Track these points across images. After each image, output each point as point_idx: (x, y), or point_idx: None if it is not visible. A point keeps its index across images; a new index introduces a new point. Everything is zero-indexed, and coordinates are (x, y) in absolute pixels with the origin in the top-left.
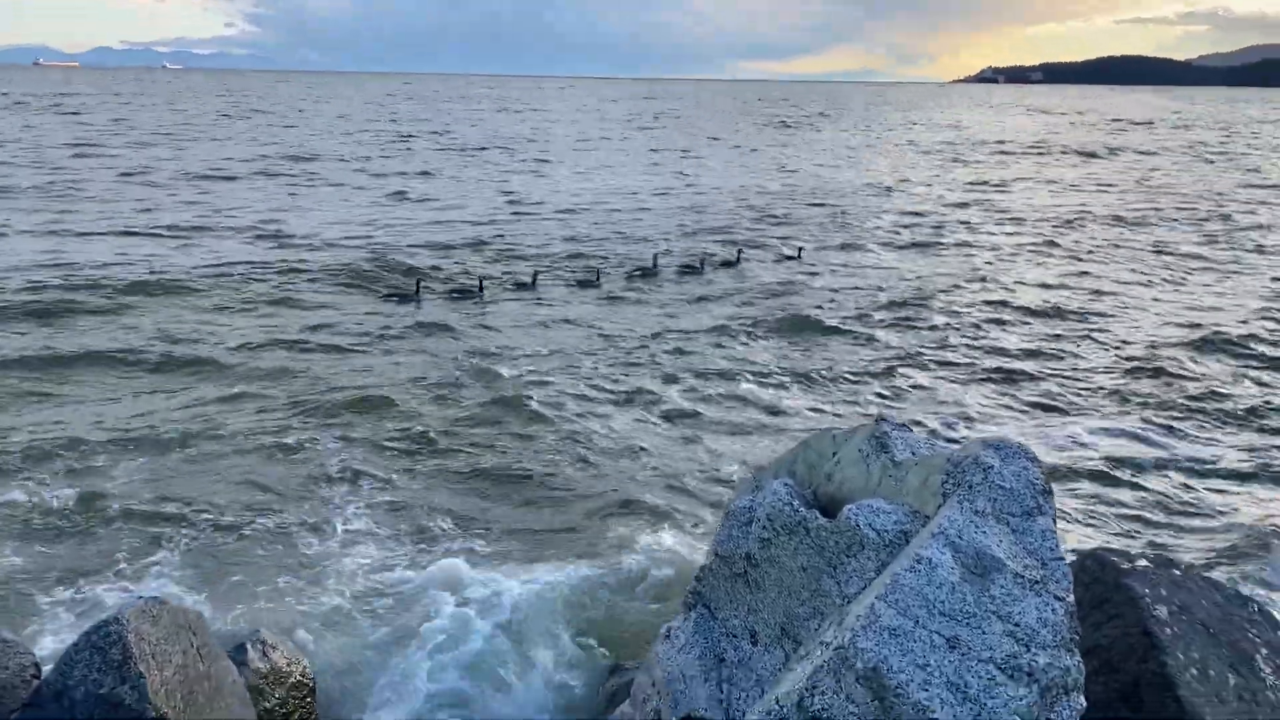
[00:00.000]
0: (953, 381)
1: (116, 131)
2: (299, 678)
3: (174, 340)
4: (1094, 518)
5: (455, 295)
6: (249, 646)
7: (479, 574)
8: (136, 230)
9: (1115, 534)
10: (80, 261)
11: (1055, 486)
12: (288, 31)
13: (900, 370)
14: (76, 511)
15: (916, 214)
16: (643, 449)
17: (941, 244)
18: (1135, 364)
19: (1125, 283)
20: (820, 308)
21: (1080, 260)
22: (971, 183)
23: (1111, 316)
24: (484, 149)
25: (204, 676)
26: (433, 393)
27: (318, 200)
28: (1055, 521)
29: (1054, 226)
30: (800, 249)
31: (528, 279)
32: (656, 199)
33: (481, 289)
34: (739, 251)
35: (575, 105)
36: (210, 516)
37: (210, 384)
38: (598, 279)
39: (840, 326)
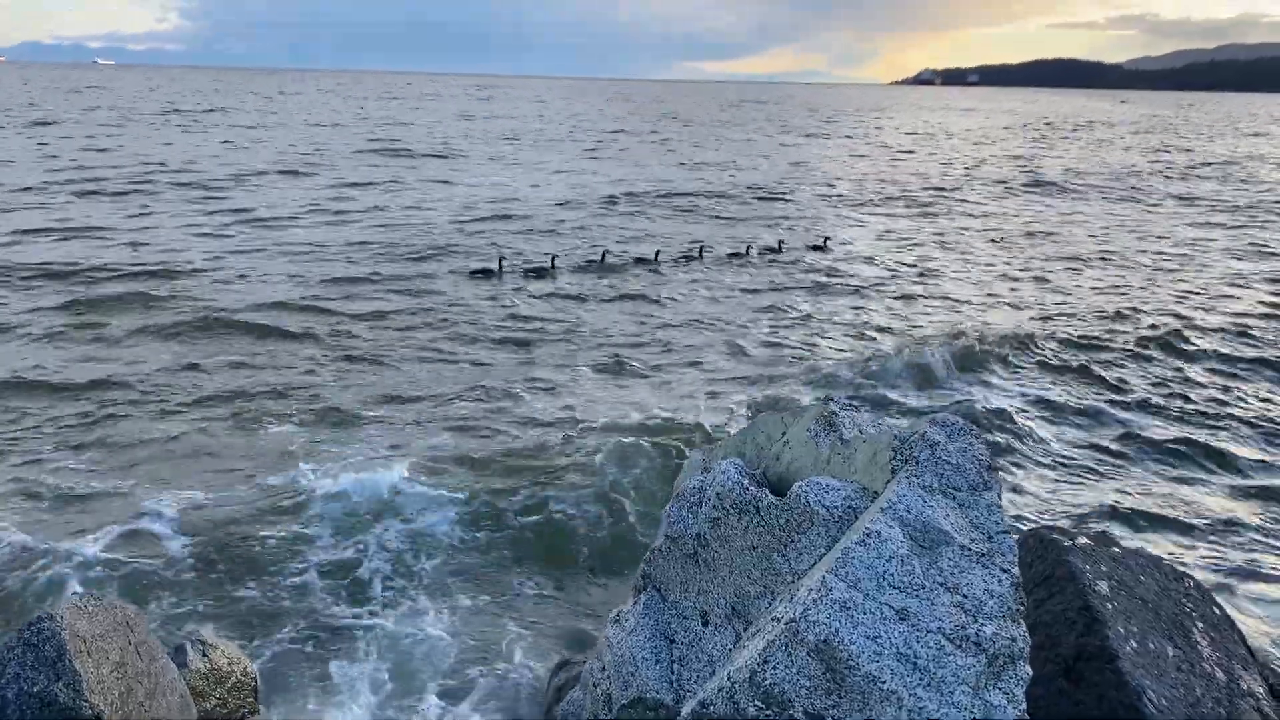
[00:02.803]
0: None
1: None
2: (240, 677)
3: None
4: (1036, 498)
5: (529, 273)
6: (188, 647)
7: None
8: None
9: (1056, 514)
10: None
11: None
12: (222, 26)
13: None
14: None
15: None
16: None
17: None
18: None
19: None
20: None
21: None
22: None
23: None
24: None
25: (142, 674)
26: None
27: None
28: (1000, 497)
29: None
30: (826, 238)
31: (597, 257)
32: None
33: (553, 266)
34: (780, 241)
35: (559, 102)
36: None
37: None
38: (656, 259)
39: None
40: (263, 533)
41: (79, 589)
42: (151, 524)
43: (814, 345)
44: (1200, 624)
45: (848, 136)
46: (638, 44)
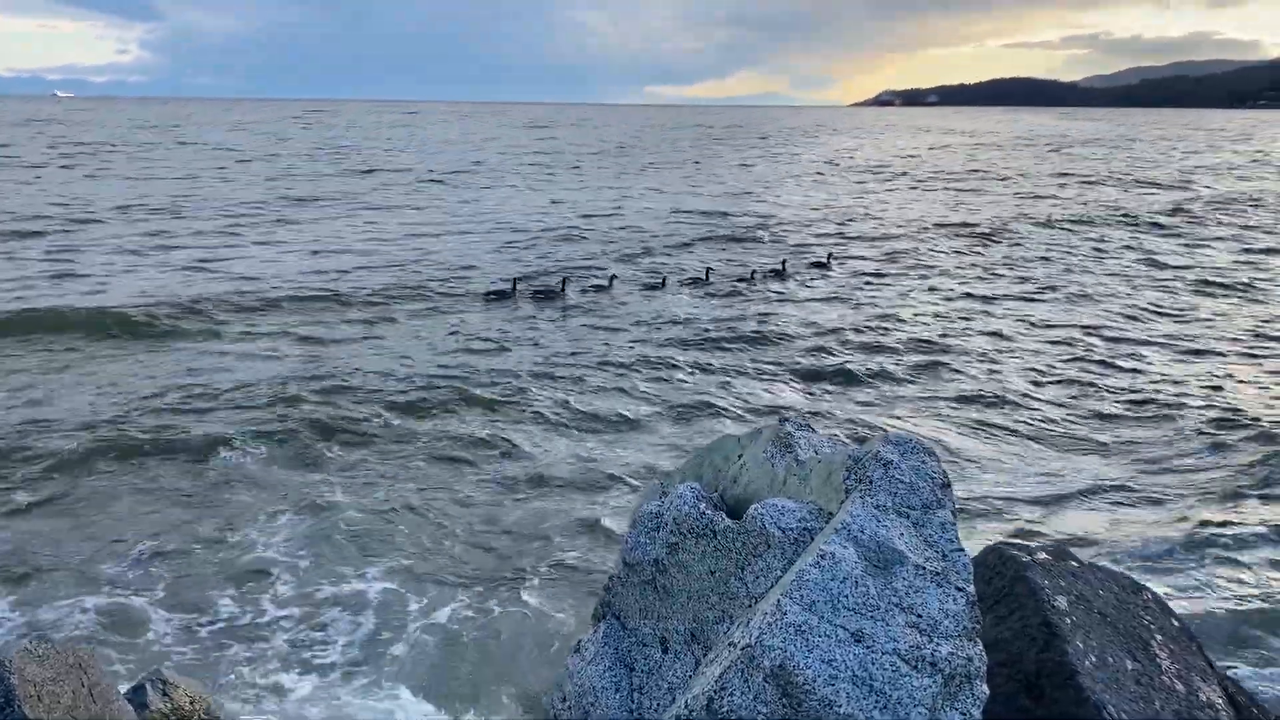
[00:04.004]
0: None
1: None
2: (202, 716)
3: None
4: (991, 514)
5: (539, 295)
6: (149, 686)
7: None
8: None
9: (1013, 528)
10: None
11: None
12: (183, 58)
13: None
14: None
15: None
16: None
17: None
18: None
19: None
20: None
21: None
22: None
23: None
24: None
25: (96, 718)
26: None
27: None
28: (955, 515)
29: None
30: (830, 255)
31: (604, 282)
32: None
33: (564, 289)
34: (783, 261)
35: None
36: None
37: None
38: (663, 284)
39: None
40: (221, 572)
41: (30, 635)
42: (110, 567)
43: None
44: (1159, 636)
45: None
46: (606, 69)
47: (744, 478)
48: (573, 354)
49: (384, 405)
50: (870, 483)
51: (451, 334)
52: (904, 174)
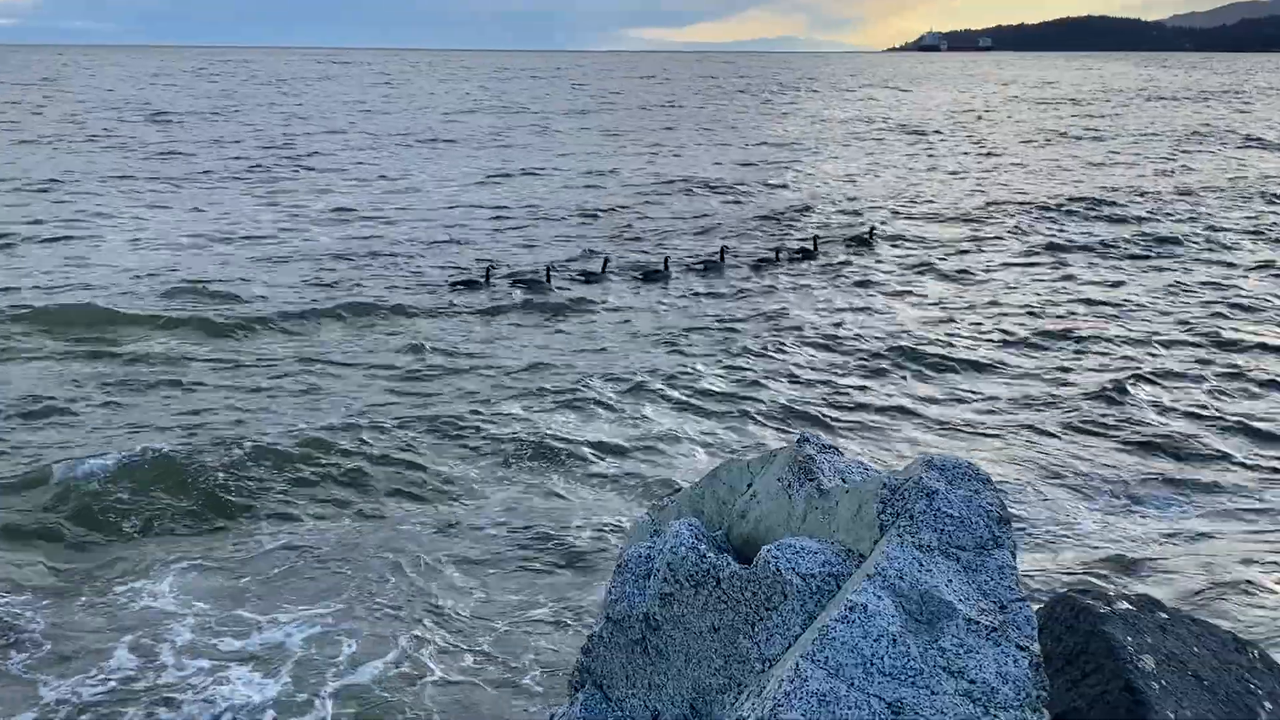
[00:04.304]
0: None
1: None
2: None
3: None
4: (1054, 550)
5: (521, 284)
6: None
7: None
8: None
9: (1081, 570)
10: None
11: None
12: (62, 1)
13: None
14: None
15: None
16: None
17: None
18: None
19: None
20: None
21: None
22: None
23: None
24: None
25: None
26: None
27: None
28: (1015, 555)
29: None
30: (873, 229)
31: (596, 268)
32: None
33: (549, 278)
34: (814, 238)
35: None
36: None
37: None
38: (666, 267)
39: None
40: (112, 625)
41: None
42: None
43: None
44: (1268, 704)
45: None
46: (575, 8)
47: (754, 512)
48: (544, 363)
49: (302, 440)
50: (911, 517)
51: (399, 338)
52: (968, 134)
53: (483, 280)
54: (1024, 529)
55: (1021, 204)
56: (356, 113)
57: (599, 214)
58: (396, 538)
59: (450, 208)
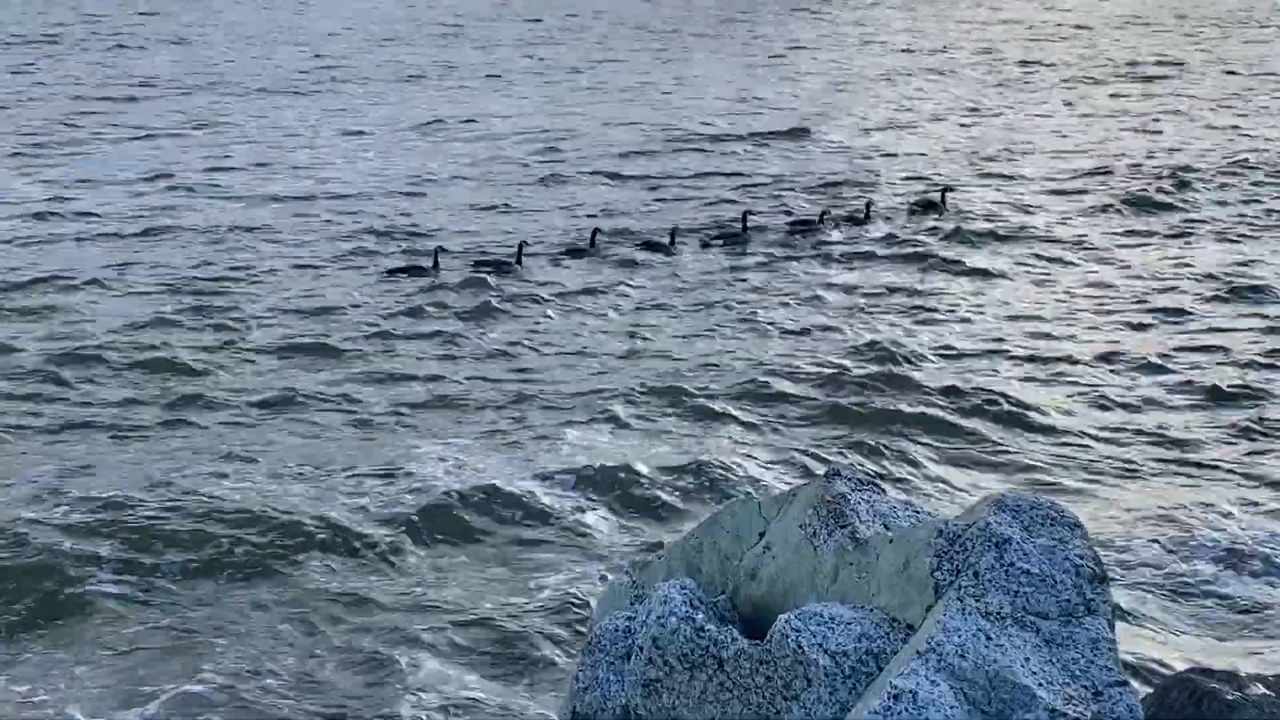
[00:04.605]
0: None
1: None
2: None
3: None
4: (1165, 619)
5: (485, 267)
6: None
7: None
8: None
9: (1201, 646)
10: None
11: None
12: None
13: None
14: None
15: None
16: None
17: None
18: None
19: None
20: None
21: None
22: None
23: None
24: None
25: None
26: None
27: None
28: (1114, 625)
29: None
30: (945, 191)
31: (583, 243)
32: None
33: (519, 258)
34: (868, 203)
35: None
36: None
37: None
38: (672, 240)
39: None
40: None
41: None
42: None
43: None
44: None
45: None
46: None
47: (768, 569)
48: (496, 379)
49: (156, 501)
50: (975, 575)
51: (303, 358)
52: (1052, 64)
53: (430, 265)
54: (1127, 590)
55: (1130, 162)
56: (237, 40)
57: (580, 176)
58: (282, 613)
59: (372, 173)
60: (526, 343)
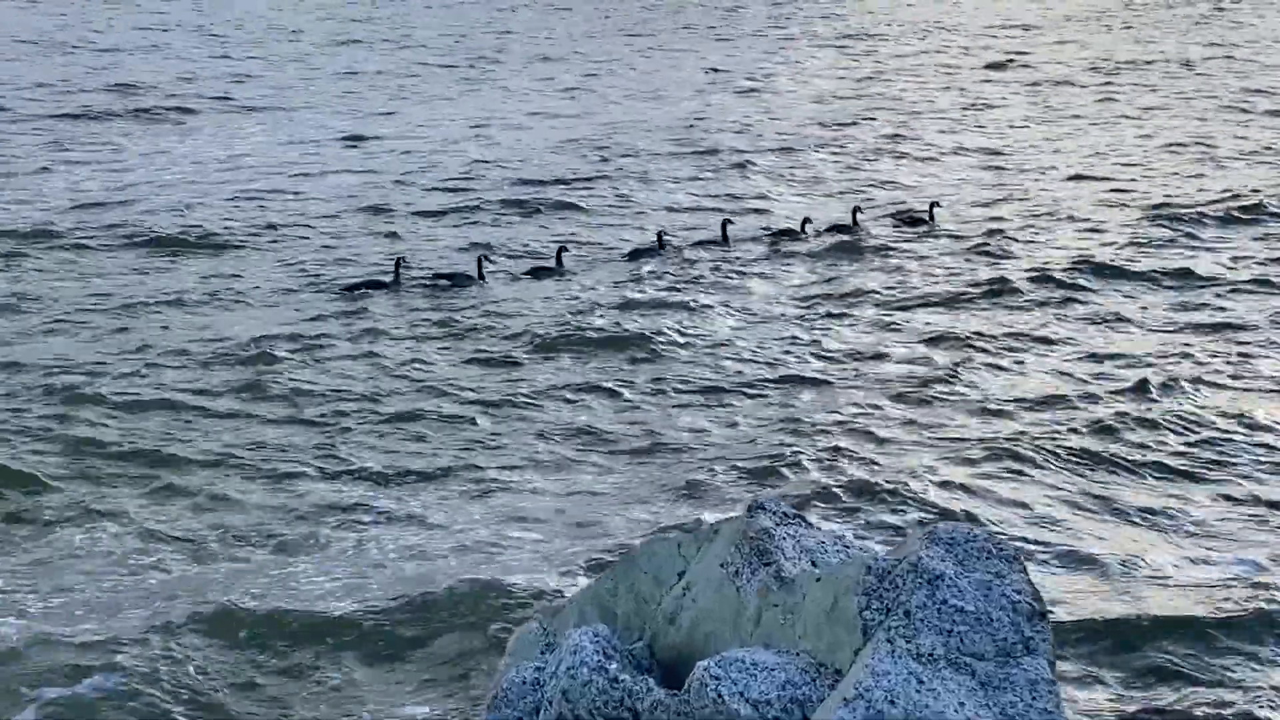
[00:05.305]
0: None
1: None
2: None
3: None
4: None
5: (444, 280)
6: None
7: None
8: None
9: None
10: None
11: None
12: None
13: None
14: None
15: None
16: None
17: None
18: None
19: None
20: None
21: None
22: None
23: None
24: None
25: None
26: None
27: None
28: (1054, 666)
29: None
30: (934, 205)
31: (549, 261)
32: None
33: (481, 272)
34: (854, 210)
35: None
36: None
37: None
38: (661, 244)
39: None
40: None
41: None
42: None
43: None
44: None
45: None
46: None
47: (688, 613)
48: (437, 410)
49: None
50: (906, 614)
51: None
52: (1028, 65)
53: (391, 279)
54: (1066, 623)
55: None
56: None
57: (542, 181)
58: None
59: (309, 178)
60: (455, 363)
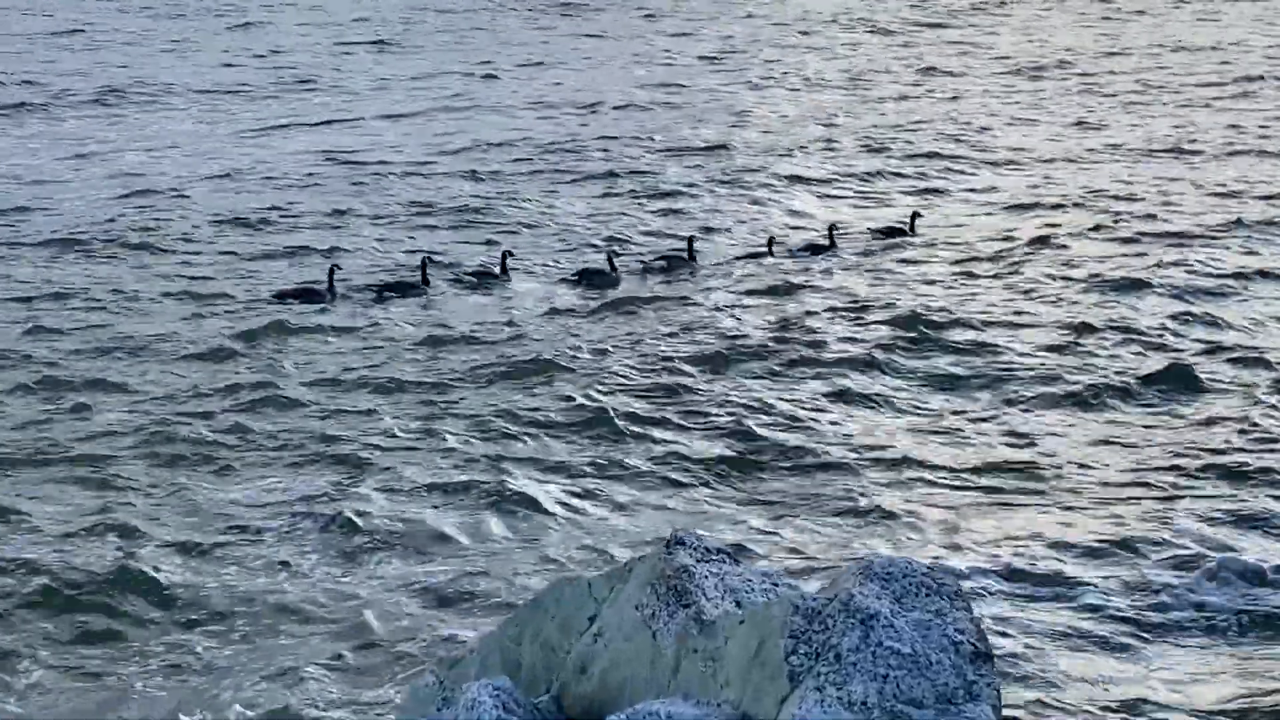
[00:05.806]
0: None
1: None
2: None
3: None
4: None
5: (389, 290)
6: None
7: None
8: None
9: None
10: None
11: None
12: None
13: None
14: None
15: None
16: None
17: None
18: None
19: None
20: None
21: None
22: None
23: None
24: None
25: None
26: None
27: None
28: (999, 711)
29: None
30: (915, 214)
31: (493, 266)
32: None
33: (425, 279)
34: (831, 229)
35: None
36: None
37: None
38: (612, 267)
39: None
40: None
41: None
42: None
43: None
44: None
45: None
46: None
47: (600, 661)
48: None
49: None
50: (837, 658)
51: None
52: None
53: (324, 287)
54: (1016, 666)
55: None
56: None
57: (481, 177)
58: None
59: (223, 174)
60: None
